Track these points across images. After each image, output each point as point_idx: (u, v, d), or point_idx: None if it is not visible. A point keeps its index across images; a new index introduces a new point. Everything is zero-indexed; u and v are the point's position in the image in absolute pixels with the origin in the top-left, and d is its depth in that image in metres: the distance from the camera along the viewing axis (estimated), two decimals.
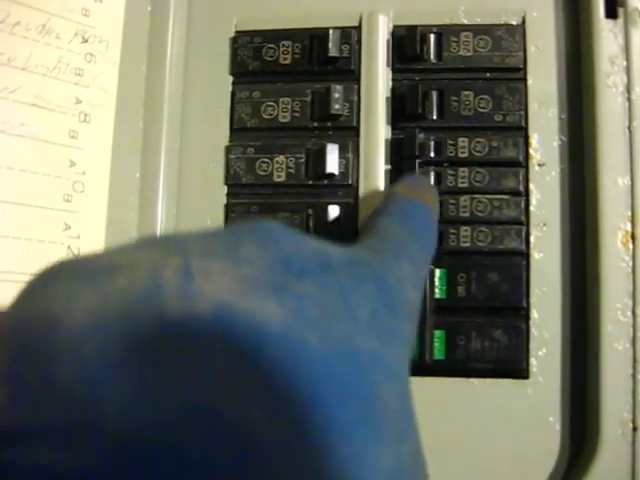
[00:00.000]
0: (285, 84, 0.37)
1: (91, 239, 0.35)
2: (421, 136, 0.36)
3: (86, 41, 0.35)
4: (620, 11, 0.35)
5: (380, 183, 0.36)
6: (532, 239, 0.36)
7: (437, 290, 0.35)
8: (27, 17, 0.33)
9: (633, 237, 0.34)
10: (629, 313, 0.34)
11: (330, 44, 0.36)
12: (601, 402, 0.33)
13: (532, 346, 0.35)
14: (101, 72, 0.35)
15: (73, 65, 0.34)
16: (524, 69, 0.36)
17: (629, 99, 0.34)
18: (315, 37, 0.37)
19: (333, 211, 0.36)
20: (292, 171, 0.37)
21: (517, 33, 0.36)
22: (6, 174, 0.32)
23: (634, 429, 0.33)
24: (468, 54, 0.37)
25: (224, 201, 0.37)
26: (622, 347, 0.33)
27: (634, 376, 0.33)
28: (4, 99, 0.32)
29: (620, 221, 0.34)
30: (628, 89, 0.35)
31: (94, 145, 0.35)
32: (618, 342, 0.33)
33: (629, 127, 0.34)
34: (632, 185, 0.34)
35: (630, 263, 0.34)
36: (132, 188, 0.36)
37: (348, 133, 0.37)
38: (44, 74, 0.34)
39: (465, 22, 0.37)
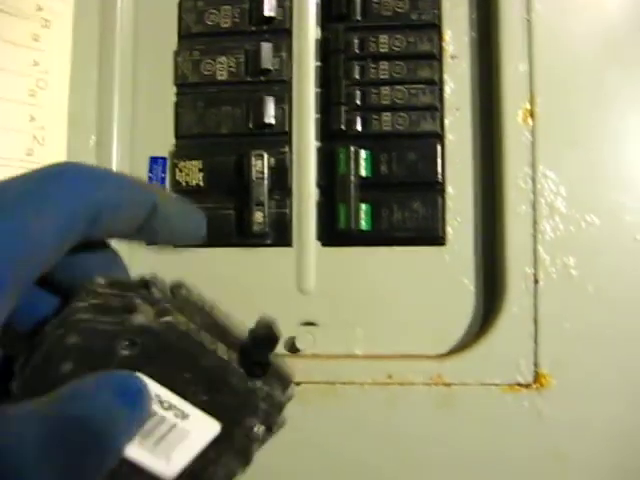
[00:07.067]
0: None
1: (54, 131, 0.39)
2: (346, 35, 0.40)
3: None
4: None
5: (311, 79, 0.41)
6: (446, 122, 0.40)
7: (363, 169, 0.40)
8: None
9: (532, 114, 0.38)
10: (529, 180, 0.38)
11: None
12: (507, 260, 0.38)
13: (448, 216, 0.40)
14: None
15: None
16: None
17: None
18: None
19: (269, 103, 0.40)
20: (233, 70, 0.41)
21: None
22: None
23: (535, 282, 0.38)
24: None
25: (174, 99, 0.42)
26: (523, 211, 0.38)
27: (534, 235, 0.38)
28: None
29: (520, 101, 0.38)
30: None
31: (55, 48, 0.39)
32: (520, 206, 0.38)
33: (528, 18, 0.39)
34: (530, 70, 0.38)
35: (530, 137, 0.38)
36: (90, 88, 0.41)
37: (282, 34, 0.41)
38: None
39: None
